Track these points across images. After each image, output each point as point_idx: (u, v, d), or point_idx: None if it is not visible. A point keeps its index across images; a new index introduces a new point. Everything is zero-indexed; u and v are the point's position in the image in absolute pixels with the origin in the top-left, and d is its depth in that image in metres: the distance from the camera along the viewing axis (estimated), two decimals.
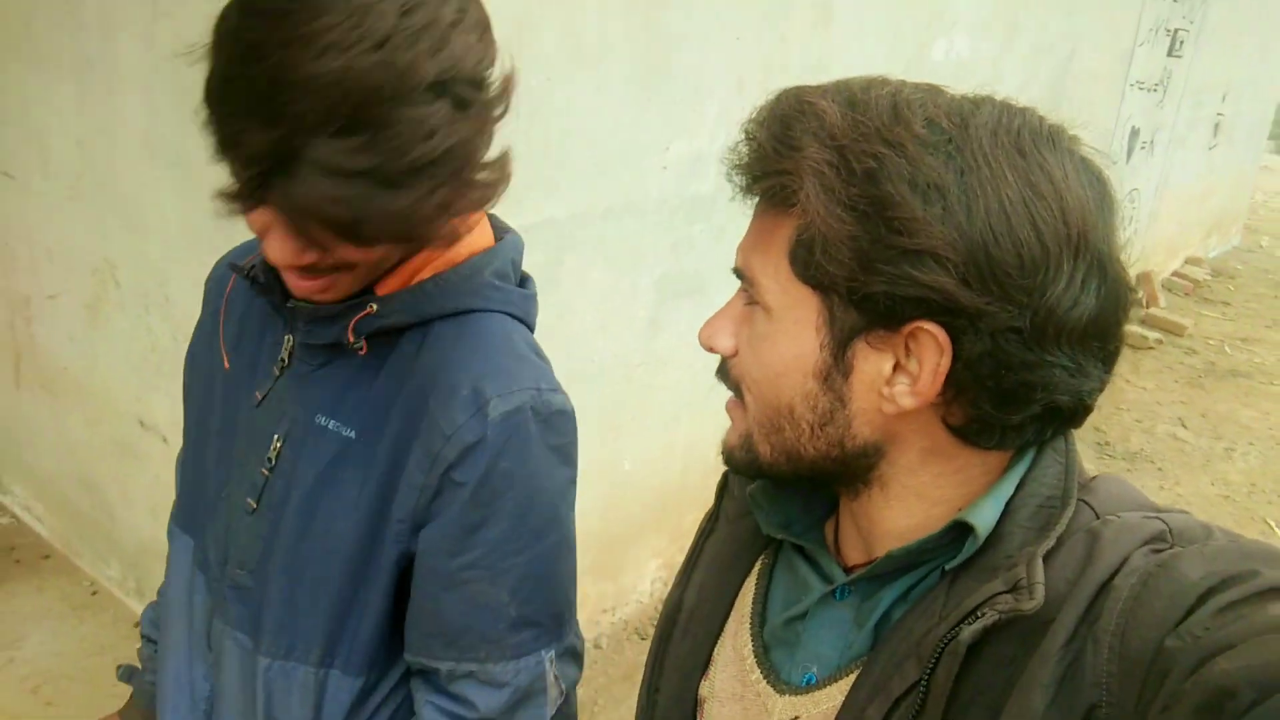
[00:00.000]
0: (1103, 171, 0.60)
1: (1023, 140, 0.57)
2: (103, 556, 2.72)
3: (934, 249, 0.55)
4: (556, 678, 0.93)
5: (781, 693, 0.69)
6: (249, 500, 0.93)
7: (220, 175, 0.74)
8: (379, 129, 0.69)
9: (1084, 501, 0.62)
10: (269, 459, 0.92)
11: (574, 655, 0.96)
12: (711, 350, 0.68)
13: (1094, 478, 0.65)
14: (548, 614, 0.91)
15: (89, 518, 2.71)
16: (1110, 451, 4.40)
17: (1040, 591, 0.56)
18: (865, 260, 0.57)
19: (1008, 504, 0.62)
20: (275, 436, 0.92)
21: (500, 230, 0.96)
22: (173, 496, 1.09)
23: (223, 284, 1.03)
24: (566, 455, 0.91)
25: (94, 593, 2.69)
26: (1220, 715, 0.46)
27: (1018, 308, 0.56)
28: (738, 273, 0.66)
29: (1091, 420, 0.82)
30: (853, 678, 0.65)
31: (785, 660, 0.70)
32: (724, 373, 0.68)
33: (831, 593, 0.68)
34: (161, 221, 2.10)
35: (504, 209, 0.89)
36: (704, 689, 0.76)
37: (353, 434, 0.89)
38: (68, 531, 2.84)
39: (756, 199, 0.64)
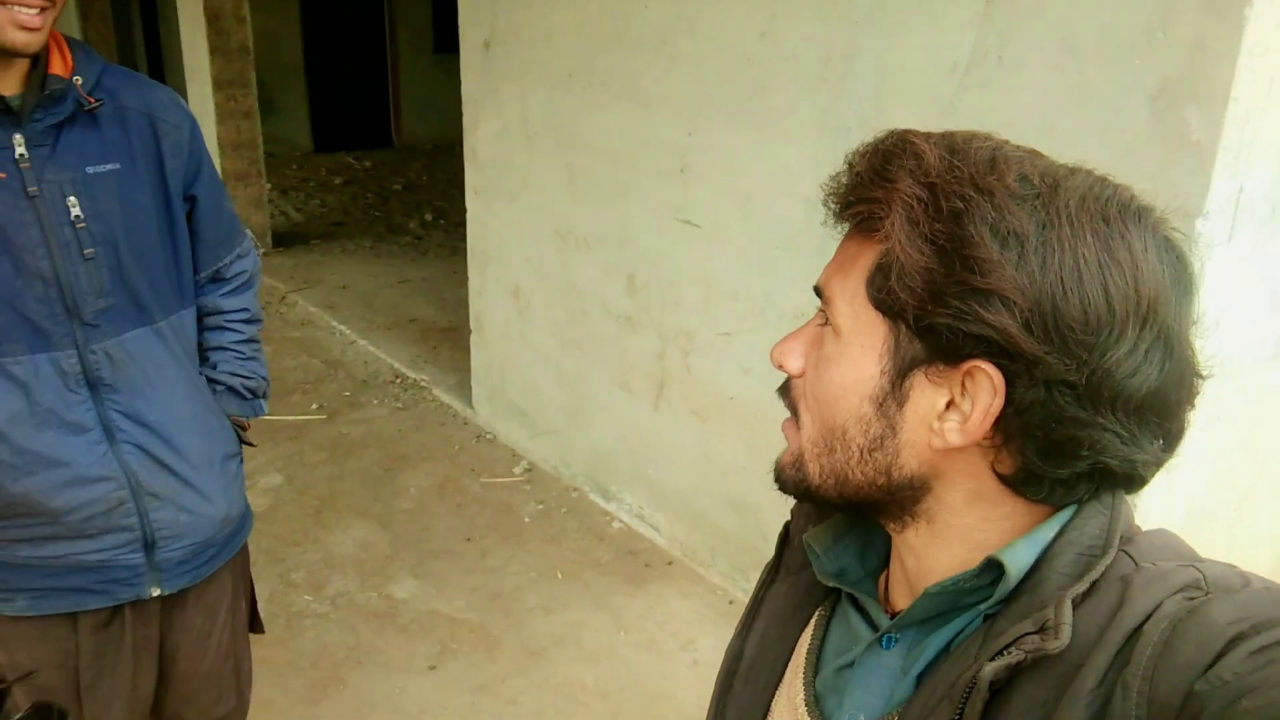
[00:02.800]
0: (1185, 254, 0.60)
1: (1109, 209, 0.58)
2: (741, 569, 2.97)
3: (1002, 290, 0.57)
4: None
5: None
6: (85, 251, 1.32)
7: None
8: None
9: (1124, 551, 0.61)
10: (76, 217, 1.31)
11: None
12: (781, 369, 0.70)
13: (1142, 531, 0.64)
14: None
15: (731, 534, 2.98)
16: None
17: (1066, 632, 0.56)
18: (935, 292, 0.58)
19: (1047, 550, 0.62)
20: (68, 200, 1.30)
21: None
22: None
23: None
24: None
25: (730, 602, 2.95)
26: None
27: (1075, 362, 0.57)
28: (817, 291, 0.67)
29: None
30: None
31: (835, 709, 0.71)
32: (785, 391, 0.70)
33: (879, 641, 0.69)
34: None
35: None
36: None
37: (118, 165, 1.35)
38: (694, 543, 3.13)
39: (846, 225, 0.67)
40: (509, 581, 3.03)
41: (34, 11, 1.21)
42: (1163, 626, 0.54)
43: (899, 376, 0.63)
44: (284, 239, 6.61)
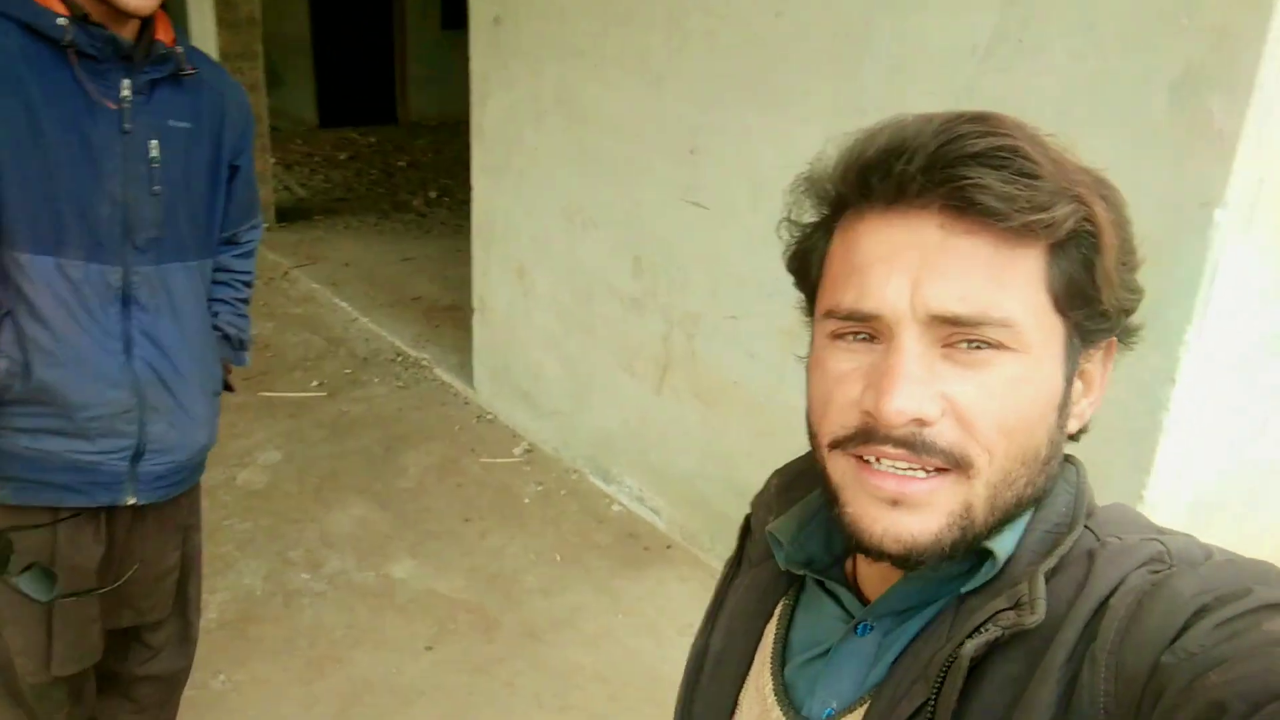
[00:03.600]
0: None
1: None
2: None
3: (1137, 263, 0.62)
4: None
5: None
6: (154, 188, 1.53)
7: None
8: None
9: (1088, 527, 0.62)
10: (153, 158, 1.52)
11: None
12: (920, 422, 0.58)
13: (1104, 507, 0.65)
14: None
15: (732, 518, 2.95)
16: None
17: (1041, 606, 0.56)
18: (1122, 276, 0.60)
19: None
20: (150, 142, 1.51)
21: None
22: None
23: (8, 54, 1.39)
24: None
25: None
26: None
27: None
28: (955, 320, 0.57)
29: None
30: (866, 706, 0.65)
31: (806, 697, 0.70)
32: (923, 446, 0.58)
33: (854, 629, 0.69)
34: None
35: None
36: None
37: (189, 125, 1.57)
38: (695, 527, 3.11)
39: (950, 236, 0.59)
40: (508, 563, 3.01)
41: None
42: (1129, 600, 0.55)
43: (1071, 373, 0.62)
44: (288, 214, 6.57)
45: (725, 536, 2.99)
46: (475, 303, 3.99)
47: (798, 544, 0.73)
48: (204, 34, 5.90)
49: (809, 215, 0.68)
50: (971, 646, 0.58)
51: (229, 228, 1.77)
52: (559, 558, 3.05)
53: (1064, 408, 0.62)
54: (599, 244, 3.23)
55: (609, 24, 2.98)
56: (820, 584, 0.74)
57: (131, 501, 1.64)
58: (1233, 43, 1.61)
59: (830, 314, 0.63)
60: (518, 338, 3.77)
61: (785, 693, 0.72)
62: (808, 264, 0.69)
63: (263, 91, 6.04)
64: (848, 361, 0.62)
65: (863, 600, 0.71)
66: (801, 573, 0.74)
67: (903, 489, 0.59)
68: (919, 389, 0.57)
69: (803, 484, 0.78)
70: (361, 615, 2.73)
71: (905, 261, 0.58)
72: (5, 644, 1.66)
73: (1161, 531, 0.61)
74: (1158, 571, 0.57)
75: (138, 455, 1.62)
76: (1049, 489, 0.64)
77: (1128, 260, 0.61)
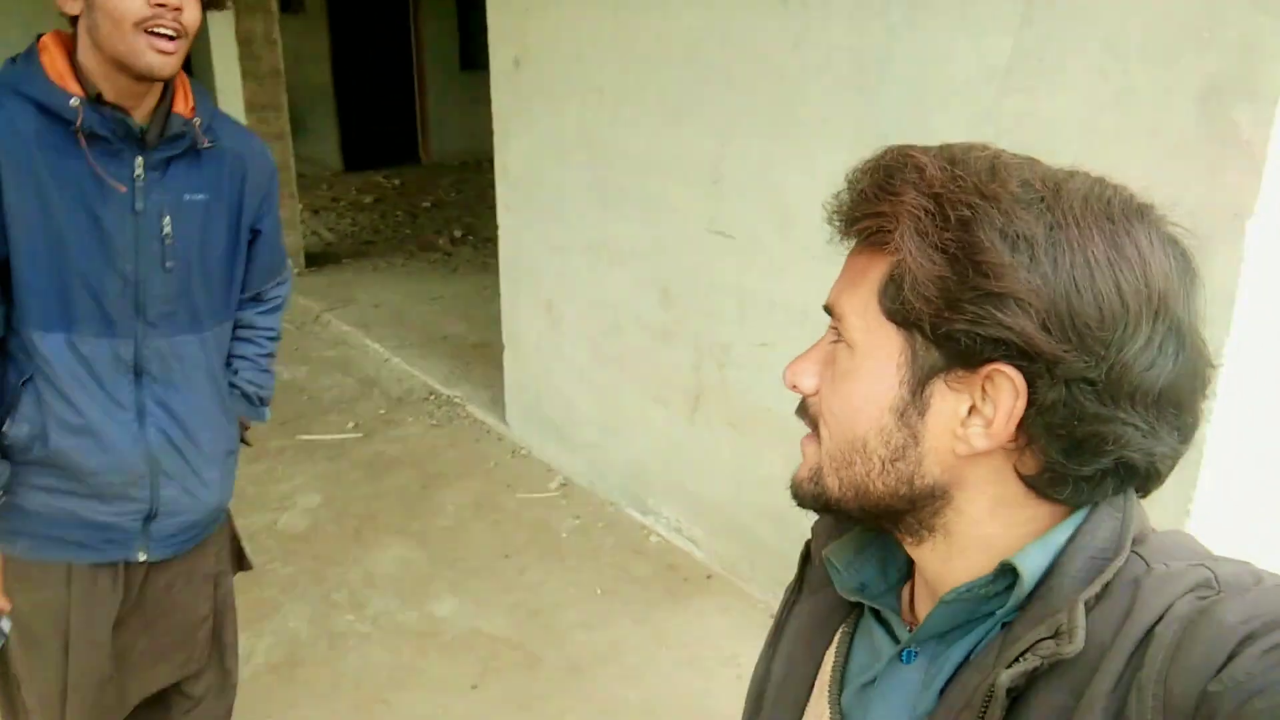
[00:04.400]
0: (1188, 247, 0.61)
1: (1112, 209, 0.59)
2: (781, 582, 2.93)
3: (1017, 293, 0.57)
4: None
5: None
6: (167, 264, 1.53)
7: None
8: None
9: (1136, 552, 0.61)
10: (166, 235, 1.52)
11: None
12: (795, 389, 0.70)
13: (1155, 531, 0.64)
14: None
15: (770, 546, 2.95)
16: None
17: (1080, 635, 0.56)
18: (951, 299, 0.59)
19: (1060, 555, 0.62)
20: (163, 219, 1.51)
21: None
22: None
23: (21, 137, 1.40)
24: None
25: (771, 615, 2.90)
26: None
27: (1094, 359, 0.58)
28: (828, 309, 0.68)
29: None
30: None
31: None
32: (803, 410, 0.71)
33: (899, 656, 0.69)
34: None
35: None
36: None
37: (206, 196, 1.57)
38: (733, 555, 3.11)
39: (852, 242, 0.67)
40: (548, 598, 3.02)
41: (170, 40, 1.40)
42: (1175, 628, 0.54)
43: (919, 385, 0.64)
44: (316, 259, 6.67)
45: (765, 564, 2.99)
46: (505, 339, 4.03)
47: (853, 569, 0.75)
48: (229, 88, 6.04)
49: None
50: (1007, 676, 0.58)
51: (252, 287, 1.77)
52: (599, 591, 3.05)
53: (904, 414, 0.64)
54: (626, 277, 3.26)
55: (627, 62, 3.02)
56: (876, 613, 0.75)
57: (143, 558, 1.66)
58: (1257, 54, 1.61)
59: None
60: (548, 372, 3.80)
61: None
62: None
63: (289, 140, 6.16)
64: None
65: (912, 629, 0.72)
66: (855, 599, 0.75)
67: (801, 443, 0.72)
68: (804, 364, 0.70)
69: None
70: (406, 655, 2.74)
71: (842, 270, 0.70)
72: (24, 701, 1.67)
73: (1212, 557, 0.61)
74: (1205, 598, 0.56)
75: (150, 517, 1.64)
76: (924, 495, 0.65)
77: (979, 286, 0.58)
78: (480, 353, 4.93)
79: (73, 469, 1.55)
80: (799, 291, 2.63)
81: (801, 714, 0.77)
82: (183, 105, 1.52)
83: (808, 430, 0.71)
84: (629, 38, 3.00)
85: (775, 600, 2.90)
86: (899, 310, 0.63)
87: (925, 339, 0.62)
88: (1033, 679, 0.58)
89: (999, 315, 0.59)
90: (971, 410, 0.62)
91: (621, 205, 3.20)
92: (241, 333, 1.80)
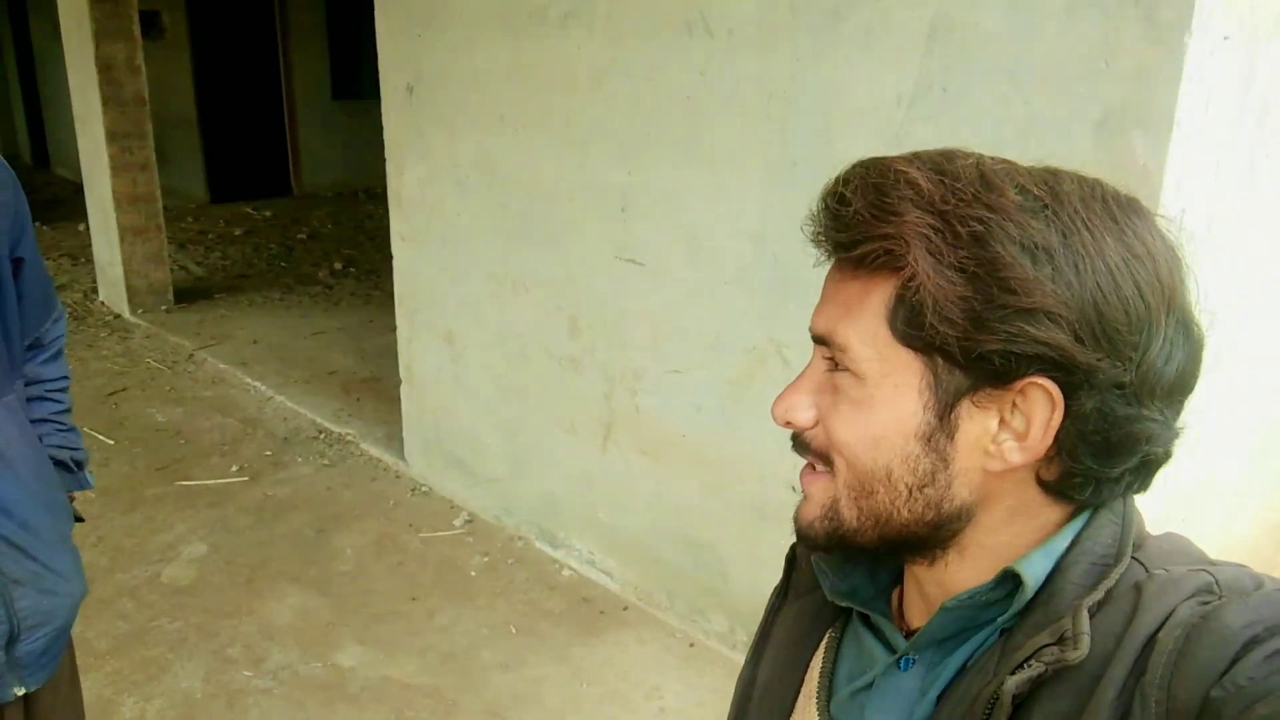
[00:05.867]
0: (1175, 236, 0.63)
1: (1110, 207, 0.59)
2: (700, 610, 2.92)
3: (1048, 307, 0.57)
4: None
5: None
6: None
7: None
8: None
9: (1135, 559, 0.62)
10: None
11: None
12: (789, 425, 0.68)
13: (1152, 536, 0.66)
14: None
15: (688, 574, 2.93)
16: None
17: (1085, 642, 0.56)
18: (979, 320, 0.58)
19: (1061, 561, 0.63)
20: None
21: None
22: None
23: None
24: None
25: (691, 645, 2.89)
26: None
27: (1125, 363, 0.58)
28: (820, 340, 0.66)
29: None
30: None
31: None
32: (802, 445, 0.68)
33: (896, 663, 0.69)
34: None
35: None
36: None
37: None
38: (649, 585, 3.07)
39: (830, 265, 0.66)
40: (460, 640, 2.91)
41: None
42: (1177, 634, 0.54)
43: (945, 409, 0.62)
44: (186, 294, 6.32)
45: (682, 593, 2.97)
46: (402, 373, 3.90)
47: (843, 574, 0.73)
48: (88, 115, 5.69)
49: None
50: (1013, 683, 0.57)
51: (30, 331, 1.48)
52: (513, 629, 2.96)
53: (930, 439, 0.62)
54: (531, 306, 3.21)
55: (529, 90, 2.99)
56: (865, 617, 0.74)
57: (20, 692, 1.41)
58: (1150, 81, 1.71)
59: None
60: (450, 406, 3.69)
61: None
62: None
63: (154, 170, 5.84)
64: None
65: (906, 634, 0.71)
66: (845, 604, 0.73)
67: (801, 479, 0.69)
68: (796, 398, 0.67)
69: None
70: (312, 710, 2.58)
71: (825, 295, 0.67)
72: None
73: (1212, 562, 0.62)
74: (1206, 603, 0.56)
75: (13, 640, 1.38)
76: (949, 518, 0.64)
77: (1002, 301, 0.58)
78: (371, 388, 4.77)
79: None
80: (711, 318, 2.64)
81: (788, 719, 0.75)
82: None
83: (804, 462, 0.68)
84: (529, 65, 2.97)
85: (694, 629, 2.89)
86: (918, 336, 0.60)
87: (949, 362, 0.61)
88: (1036, 687, 0.58)
89: (1032, 331, 0.57)
90: (1000, 424, 0.61)
91: (526, 234, 3.15)
92: (30, 391, 1.50)
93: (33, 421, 1.49)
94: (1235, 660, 0.52)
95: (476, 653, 2.85)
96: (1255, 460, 2.55)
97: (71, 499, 1.58)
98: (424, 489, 3.83)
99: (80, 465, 1.60)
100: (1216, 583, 0.58)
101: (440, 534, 3.51)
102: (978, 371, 0.60)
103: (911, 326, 0.60)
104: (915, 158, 0.61)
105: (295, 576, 3.21)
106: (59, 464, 1.53)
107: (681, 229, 2.66)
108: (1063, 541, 0.63)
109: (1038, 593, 0.62)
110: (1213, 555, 0.65)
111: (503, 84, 3.07)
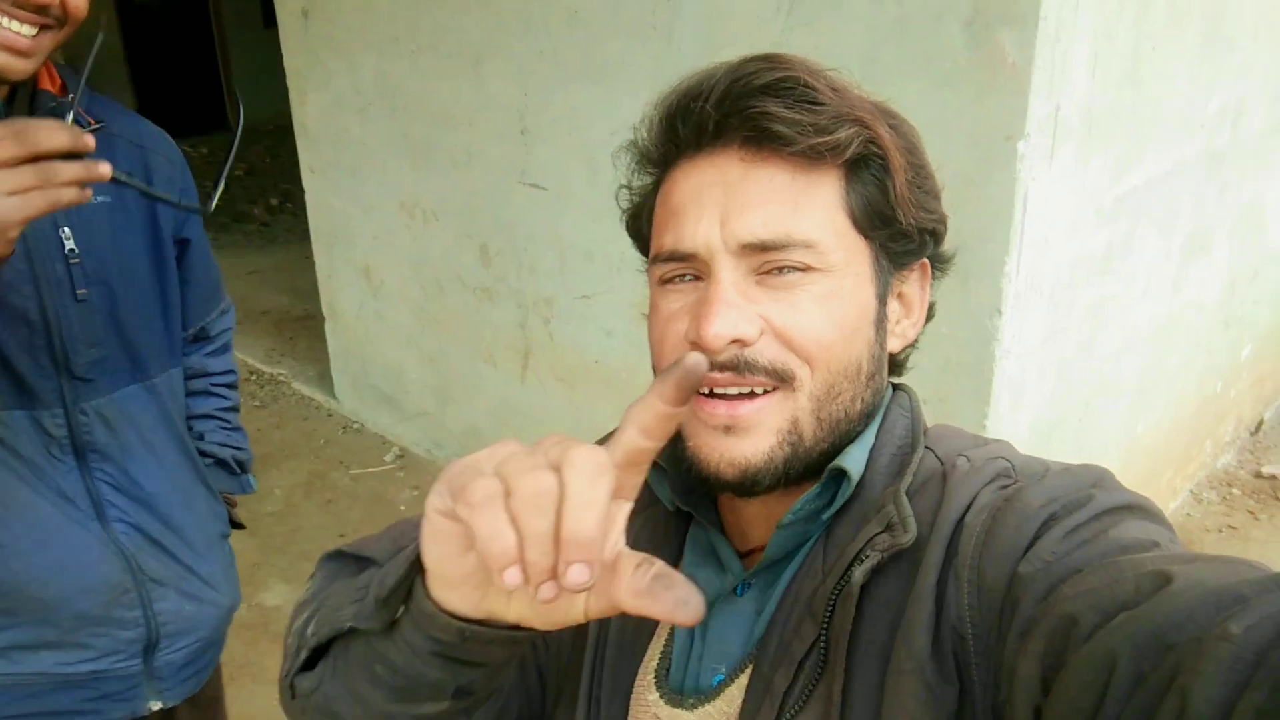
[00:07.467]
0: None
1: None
2: None
3: (938, 188, 0.66)
4: None
5: (688, 706, 0.66)
6: (78, 291, 1.15)
7: None
8: None
9: (928, 447, 0.65)
10: (70, 251, 1.14)
11: None
12: (740, 342, 0.60)
13: (930, 427, 0.69)
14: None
15: None
16: None
17: (912, 525, 0.59)
18: (918, 201, 0.64)
19: (870, 454, 0.65)
20: (61, 231, 1.13)
21: None
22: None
23: None
24: None
25: None
26: (1068, 641, 0.48)
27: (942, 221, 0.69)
28: (765, 245, 0.60)
29: None
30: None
31: (694, 666, 0.68)
32: (747, 365, 0.60)
33: (733, 590, 0.68)
34: None
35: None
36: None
37: (108, 198, 1.17)
38: None
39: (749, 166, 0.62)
40: None
41: (28, 30, 0.97)
42: (984, 517, 0.57)
43: (883, 291, 0.65)
44: None
45: None
46: (325, 309, 3.84)
47: (679, 475, 0.68)
48: None
49: (639, 179, 0.71)
50: (860, 574, 0.58)
51: (193, 321, 1.38)
52: None
53: (880, 325, 0.65)
54: (443, 235, 3.15)
55: (421, 9, 2.88)
56: (702, 531, 0.71)
57: (157, 707, 1.31)
58: None
59: (655, 259, 0.65)
60: (373, 341, 3.65)
61: (666, 675, 0.68)
62: (640, 222, 0.71)
63: None
64: (676, 301, 0.64)
65: (735, 549, 0.69)
66: (686, 507, 0.70)
67: (734, 413, 0.61)
68: (734, 312, 0.60)
69: None
70: (236, 650, 2.59)
71: (712, 198, 0.61)
72: None
73: (987, 441, 0.66)
74: (1005, 487, 0.59)
75: (150, 647, 1.27)
76: (877, 405, 0.66)
77: (923, 184, 0.64)
78: (305, 326, 4.70)
79: (30, 606, 1.17)
80: (615, 240, 2.58)
81: (648, 646, 0.71)
82: (48, 83, 1.13)
83: (736, 393, 0.61)
84: None
85: None
86: (873, 220, 0.63)
87: (881, 245, 0.64)
88: (865, 579, 0.59)
89: (940, 210, 0.65)
90: (900, 303, 0.68)
91: (431, 160, 3.07)
92: (194, 384, 1.40)
93: (196, 417, 1.41)
94: (1037, 537, 0.54)
95: None
96: (1159, 358, 2.56)
97: (231, 504, 1.48)
98: (355, 426, 3.81)
99: (244, 467, 1.49)
100: (1013, 467, 0.61)
101: (371, 470, 3.50)
102: (900, 253, 0.65)
103: (866, 213, 0.62)
104: (781, 58, 0.63)
105: None
106: (220, 463, 1.44)
107: (580, 150, 2.59)
108: (872, 435, 0.65)
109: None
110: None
111: (394, 4, 2.95)
